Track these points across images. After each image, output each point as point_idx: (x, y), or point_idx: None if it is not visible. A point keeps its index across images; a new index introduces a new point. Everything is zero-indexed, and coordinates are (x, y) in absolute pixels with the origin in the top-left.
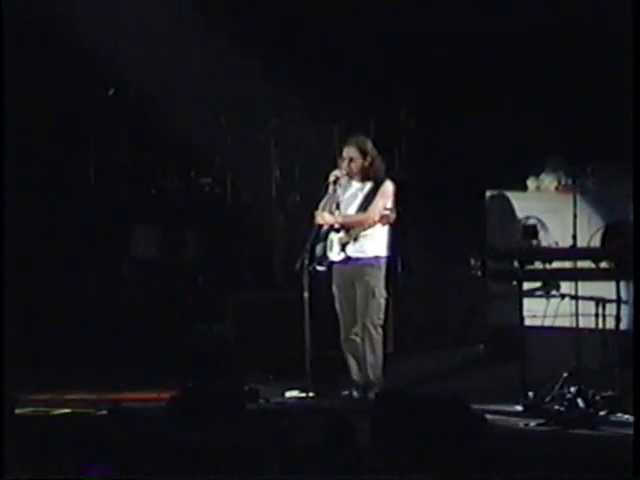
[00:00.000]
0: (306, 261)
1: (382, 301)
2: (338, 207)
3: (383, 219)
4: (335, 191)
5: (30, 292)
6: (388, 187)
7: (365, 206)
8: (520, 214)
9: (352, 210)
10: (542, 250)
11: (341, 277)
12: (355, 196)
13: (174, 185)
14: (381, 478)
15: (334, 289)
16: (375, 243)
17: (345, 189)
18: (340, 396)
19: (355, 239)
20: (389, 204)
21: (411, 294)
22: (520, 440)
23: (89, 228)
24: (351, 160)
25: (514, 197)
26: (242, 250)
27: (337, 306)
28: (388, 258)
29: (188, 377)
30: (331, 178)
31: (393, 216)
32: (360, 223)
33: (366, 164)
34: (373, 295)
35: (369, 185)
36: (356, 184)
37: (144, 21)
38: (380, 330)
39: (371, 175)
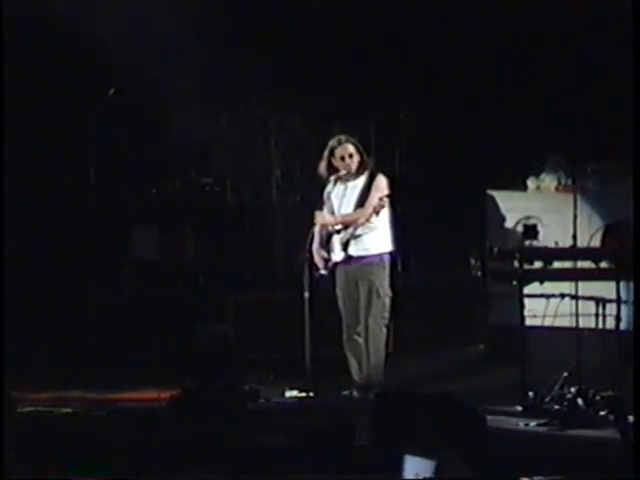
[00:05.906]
0: (307, 261)
1: (387, 300)
2: (332, 209)
3: (376, 207)
4: (329, 194)
5: (30, 292)
6: (381, 180)
7: (362, 202)
8: (520, 214)
9: (350, 208)
10: (542, 250)
11: (344, 277)
12: (350, 194)
13: (174, 185)
14: (381, 478)
15: (337, 289)
16: (377, 241)
17: (339, 189)
18: (340, 396)
19: (356, 237)
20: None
21: (410, 294)
22: (520, 440)
23: (89, 228)
24: (350, 156)
25: (514, 197)
26: (242, 250)
27: (340, 306)
28: (391, 256)
29: (188, 377)
30: (331, 180)
31: (385, 201)
32: (359, 219)
33: (364, 159)
34: (378, 295)
35: (362, 181)
36: (349, 182)
37: (144, 20)
38: (385, 330)
39: (363, 170)
